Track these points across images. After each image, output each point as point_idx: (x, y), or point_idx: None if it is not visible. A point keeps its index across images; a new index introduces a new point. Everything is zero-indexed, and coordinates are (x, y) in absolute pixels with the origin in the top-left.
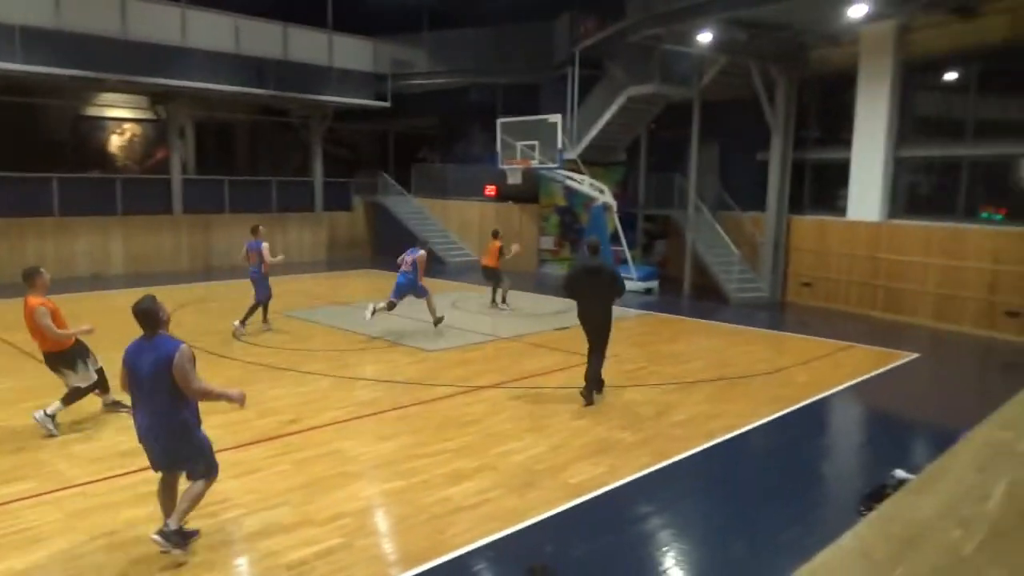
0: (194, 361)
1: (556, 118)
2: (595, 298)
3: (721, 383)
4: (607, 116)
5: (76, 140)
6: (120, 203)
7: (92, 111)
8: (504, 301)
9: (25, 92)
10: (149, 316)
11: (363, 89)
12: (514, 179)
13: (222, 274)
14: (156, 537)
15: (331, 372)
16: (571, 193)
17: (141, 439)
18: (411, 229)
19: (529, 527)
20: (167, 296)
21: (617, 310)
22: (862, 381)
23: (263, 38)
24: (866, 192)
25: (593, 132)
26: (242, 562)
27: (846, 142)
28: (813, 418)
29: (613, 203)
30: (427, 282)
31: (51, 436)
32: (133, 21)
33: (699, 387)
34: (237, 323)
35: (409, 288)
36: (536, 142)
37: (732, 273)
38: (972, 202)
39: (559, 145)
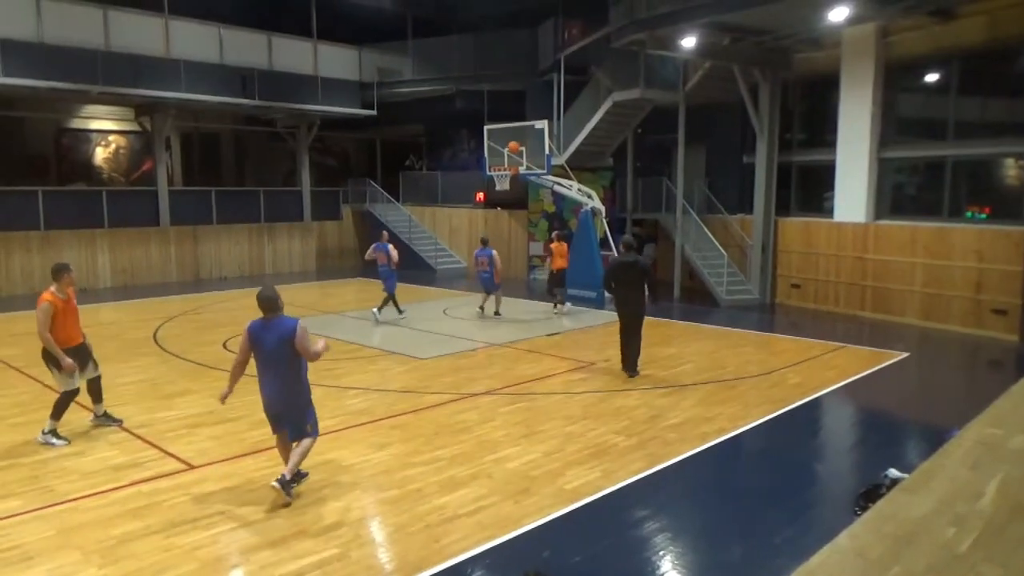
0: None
1: (543, 124)
2: (631, 288)
3: (713, 386)
4: (593, 121)
5: (61, 153)
6: (107, 216)
7: (76, 123)
8: (562, 303)
9: (8, 105)
10: (271, 302)
11: (349, 98)
12: (502, 186)
13: (211, 285)
14: (275, 484)
15: (323, 381)
16: (559, 198)
17: (268, 406)
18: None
19: (525, 533)
20: (156, 308)
21: (608, 315)
22: (853, 381)
23: (247, 48)
24: (852, 193)
25: (580, 137)
26: (238, 575)
27: (831, 144)
28: (806, 419)
29: (601, 208)
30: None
31: (63, 445)
32: (116, 32)
33: (691, 390)
34: (377, 311)
35: (489, 283)
36: (523, 148)
37: (721, 276)
38: (957, 202)
39: (546, 151)
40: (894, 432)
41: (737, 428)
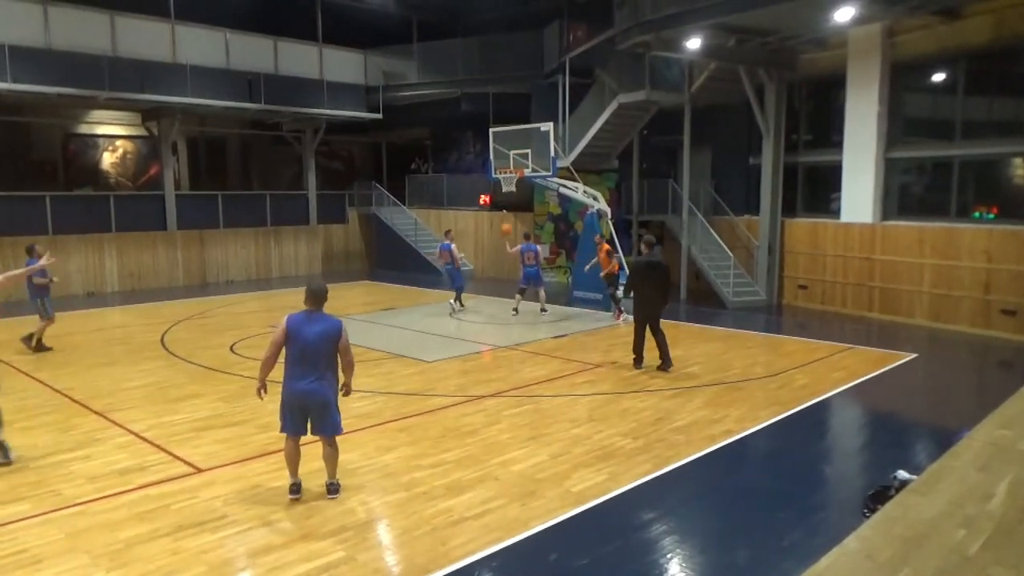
0: None
1: (548, 126)
2: (654, 288)
3: (720, 387)
4: (599, 123)
5: (68, 158)
6: (114, 220)
7: (83, 128)
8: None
9: (16, 111)
10: (321, 294)
11: (354, 101)
12: (508, 188)
13: (217, 289)
14: (332, 496)
15: None
16: (565, 201)
17: (295, 399)
18: (407, 239)
19: (532, 536)
20: (163, 312)
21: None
22: (861, 383)
23: (253, 52)
24: (859, 194)
25: (585, 140)
26: None
27: (837, 144)
28: (813, 421)
29: (607, 210)
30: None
31: (7, 464)
32: (123, 38)
33: (698, 392)
34: (453, 301)
35: (536, 277)
36: (529, 150)
37: (728, 277)
38: (964, 202)
39: (552, 153)
40: (903, 434)
41: (744, 430)
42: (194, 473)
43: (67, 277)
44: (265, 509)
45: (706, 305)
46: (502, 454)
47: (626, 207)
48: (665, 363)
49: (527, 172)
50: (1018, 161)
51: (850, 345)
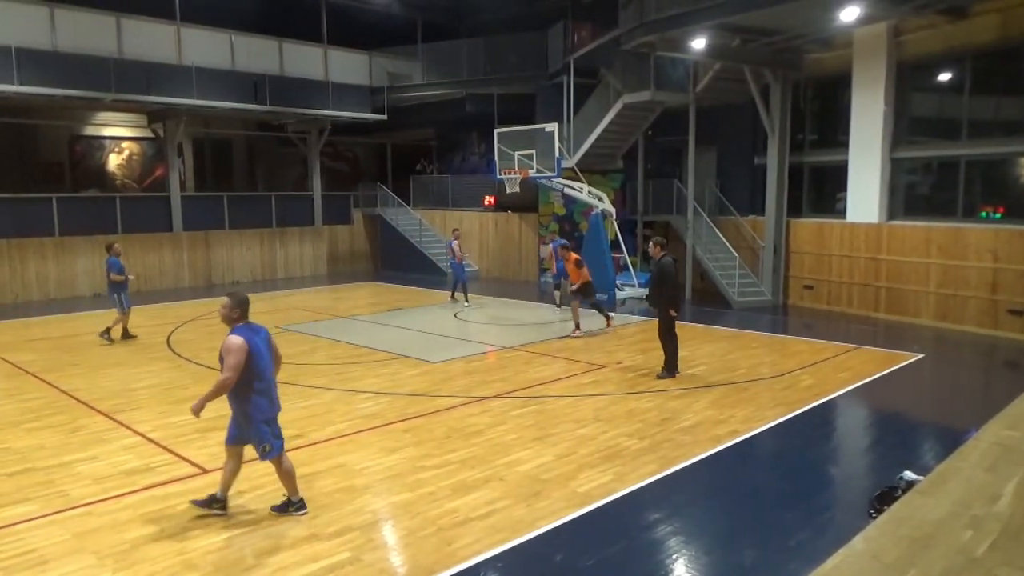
0: None
1: (553, 127)
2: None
3: (726, 388)
4: (604, 124)
5: (74, 160)
6: (120, 222)
7: (90, 130)
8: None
9: (23, 113)
10: (249, 304)
11: (359, 102)
12: (512, 189)
13: (223, 290)
14: (300, 513)
15: (334, 385)
16: (570, 201)
17: (276, 414)
18: (412, 240)
19: (537, 537)
20: (168, 313)
21: (619, 318)
22: (867, 383)
23: (258, 54)
24: (865, 194)
25: (590, 140)
26: None
27: (843, 144)
28: (819, 421)
29: (612, 210)
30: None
31: None
32: (129, 40)
33: (704, 392)
34: (462, 300)
35: (564, 272)
36: (533, 151)
37: (733, 277)
38: (971, 201)
39: (556, 154)
40: (909, 434)
41: (750, 430)
42: (200, 474)
43: (74, 278)
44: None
45: (711, 305)
46: (508, 455)
47: (631, 207)
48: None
49: (532, 173)
50: None
51: (856, 345)
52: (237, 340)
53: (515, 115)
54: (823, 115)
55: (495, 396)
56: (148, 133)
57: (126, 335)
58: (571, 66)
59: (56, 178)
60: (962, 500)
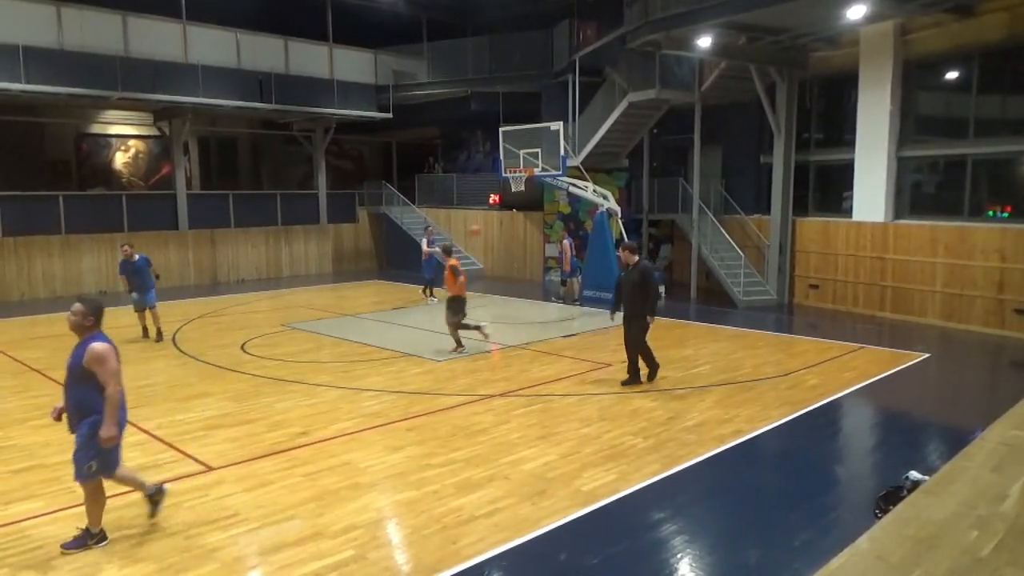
0: None
1: (558, 125)
2: (631, 295)
3: (730, 387)
4: (609, 122)
5: (81, 158)
6: (126, 220)
7: (96, 128)
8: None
9: (29, 111)
10: (103, 312)
11: (365, 101)
12: (517, 187)
13: (228, 288)
14: (100, 545)
15: (339, 384)
16: (575, 200)
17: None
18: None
19: (542, 535)
20: (174, 311)
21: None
22: (873, 383)
23: (264, 52)
24: (871, 193)
25: (595, 139)
26: None
27: (849, 143)
28: (825, 421)
29: (617, 209)
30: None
31: None
32: (135, 38)
33: (708, 392)
34: (427, 296)
35: (576, 268)
36: (538, 150)
37: (738, 277)
38: (977, 200)
39: (562, 152)
40: (915, 434)
41: (755, 430)
42: (205, 471)
43: (80, 276)
44: (275, 507)
45: (716, 304)
46: (512, 453)
47: (636, 206)
48: (639, 376)
49: (537, 171)
50: None
51: (862, 345)
52: (105, 346)
53: (520, 113)
54: (829, 114)
55: (499, 395)
56: (154, 131)
57: (146, 334)
58: (576, 64)
59: (62, 176)
60: (968, 500)
